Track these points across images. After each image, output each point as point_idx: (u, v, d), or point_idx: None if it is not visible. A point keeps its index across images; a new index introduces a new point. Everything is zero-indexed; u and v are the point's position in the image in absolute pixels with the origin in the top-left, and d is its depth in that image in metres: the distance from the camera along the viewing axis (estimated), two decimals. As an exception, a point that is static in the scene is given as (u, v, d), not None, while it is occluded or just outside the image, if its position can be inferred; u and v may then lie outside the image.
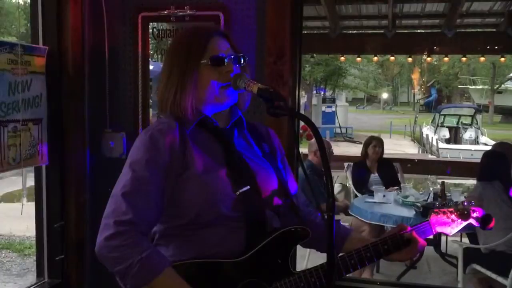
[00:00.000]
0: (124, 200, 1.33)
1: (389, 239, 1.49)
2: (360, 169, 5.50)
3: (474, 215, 1.57)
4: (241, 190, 1.40)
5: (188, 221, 1.40)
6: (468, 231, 4.28)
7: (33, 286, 2.35)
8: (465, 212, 1.57)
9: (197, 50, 1.43)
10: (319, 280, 1.41)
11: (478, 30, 8.29)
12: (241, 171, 1.44)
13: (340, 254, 1.46)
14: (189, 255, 1.39)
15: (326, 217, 1.20)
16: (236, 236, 1.40)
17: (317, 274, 1.41)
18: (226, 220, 1.39)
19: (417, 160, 7.78)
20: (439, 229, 1.57)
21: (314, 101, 24.36)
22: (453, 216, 1.57)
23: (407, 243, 1.49)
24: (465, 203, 1.59)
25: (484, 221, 1.57)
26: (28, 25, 2.37)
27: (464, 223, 1.58)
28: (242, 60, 1.49)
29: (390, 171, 5.56)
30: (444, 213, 1.57)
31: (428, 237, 4.61)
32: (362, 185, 5.38)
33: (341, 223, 1.68)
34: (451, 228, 1.57)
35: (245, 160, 1.47)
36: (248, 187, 1.42)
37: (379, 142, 5.51)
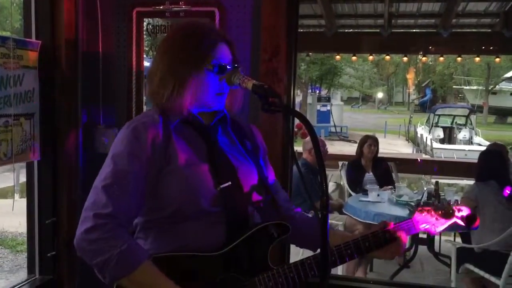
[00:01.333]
0: (104, 193, 1.33)
1: (371, 236, 1.49)
2: (355, 168, 5.51)
3: (459, 214, 1.56)
4: (222, 186, 1.41)
5: (168, 214, 1.40)
6: (461, 230, 4.29)
7: (24, 283, 2.33)
8: (450, 211, 1.56)
9: (204, 54, 1.42)
10: (297, 275, 1.42)
11: (474, 30, 8.30)
12: (223, 167, 1.45)
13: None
14: (168, 249, 1.40)
15: (320, 215, 1.20)
16: (216, 230, 1.41)
17: (296, 270, 1.42)
18: (206, 215, 1.40)
19: (420, 160, 7.78)
20: (422, 227, 1.56)
21: (309, 100, 24.39)
22: (437, 215, 1.56)
23: (390, 241, 1.49)
24: (450, 202, 1.59)
25: (469, 220, 1.56)
26: (23, 19, 2.34)
27: (449, 222, 1.57)
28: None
29: (385, 170, 5.56)
30: (428, 211, 1.56)
31: (421, 237, 4.58)
32: (356, 184, 5.38)
33: None
34: (435, 226, 1.56)
35: (227, 157, 1.48)
36: (230, 183, 1.43)
37: (374, 141, 5.52)
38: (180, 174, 1.39)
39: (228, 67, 1.44)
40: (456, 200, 1.61)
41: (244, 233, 1.42)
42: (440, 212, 1.56)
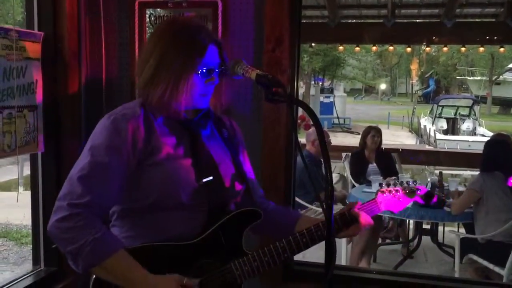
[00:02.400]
0: (79, 184, 1.33)
1: (339, 218, 1.53)
2: (359, 159, 5.50)
3: (418, 192, 1.65)
4: (204, 180, 1.42)
5: (147, 205, 1.41)
6: (465, 221, 4.29)
7: (30, 274, 2.34)
8: (410, 191, 1.64)
9: (196, 56, 1.42)
10: (272, 259, 1.46)
11: (478, 20, 8.24)
12: (206, 162, 1.47)
13: (292, 235, 1.49)
14: (145, 238, 1.41)
15: (325, 206, 1.20)
16: (194, 222, 1.43)
17: (270, 253, 1.46)
18: (185, 207, 1.42)
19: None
20: (385, 207, 1.63)
21: (312, 91, 24.31)
22: (399, 195, 1.64)
23: (355, 221, 1.54)
24: (410, 182, 1.66)
25: (427, 197, 1.68)
26: (25, 12, 2.33)
27: (410, 201, 1.66)
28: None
29: (388, 161, 5.55)
30: (390, 192, 1.64)
31: (425, 228, 4.59)
32: (360, 175, 5.38)
33: (292, 210, 1.76)
34: (397, 206, 1.64)
35: (209, 151, 1.49)
36: (212, 177, 1.44)
37: (378, 132, 5.51)
38: (162, 167, 1.39)
39: (215, 70, 1.45)
40: (415, 181, 1.68)
41: (218, 221, 1.45)
42: (401, 193, 1.64)
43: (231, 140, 1.60)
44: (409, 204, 1.64)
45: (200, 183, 1.42)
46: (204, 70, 1.42)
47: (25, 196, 2.54)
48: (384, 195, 1.63)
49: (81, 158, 1.39)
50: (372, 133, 5.46)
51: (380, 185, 1.66)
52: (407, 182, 1.66)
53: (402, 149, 7.34)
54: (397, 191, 1.63)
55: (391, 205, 1.63)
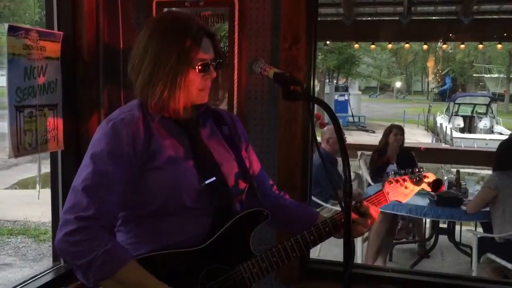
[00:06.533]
0: (84, 195, 1.30)
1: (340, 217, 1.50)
2: (380, 158, 5.41)
3: (426, 180, 1.62)
4: (207, 182, 1.41)
5: (150, 210, 1.39)
6: (483, 220, 4.24)
7: (49, 270, 2.38)
8: (418, 178, 1.61)
9: (191, 51, 1.38)
10: (280, 259, 1.44)
11: (495, 16, 8.13)
12: (207, 163, 1.45)
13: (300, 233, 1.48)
14: (151, 244, 1.39)
15: (343, 203, 1.20)
16: (200, 224, 1.41)
17: (278, 253, 1.45)
18: (190, 210, 1.40)
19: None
20: (393, 197, 1.59)
21: (327, 89, 24.22)
22: (406, 184, 1.60)
23: (363, 214, 1.50)
24: (417, 170, 1.63)
25: (435, 185, 1.62)
26: (42, 13, 2.36)
27: (417, 189, 1.62)
28: (222, 65, 1.48)
29: (409, 161, 5.45)
30: (397, 181, 1.60)
31: (442, 227, 4.52)
32: (378, 174, 5.31)
33: (309, 207, 1.73)
34: (404, 195, 1.61)
35: (210, 151, 1.47)
36: (214, 178, 1.43)
37: (400, 130, 5.40)
38: (164, 171, 1.37)
39: (212, 63, 1.43)
40: (421, 168, 1.65)
41: (225, 224, 1.43)
42: (409, 181, 1.60)
43: (232, 136, 1.58)
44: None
45: (203, 185, 1.40)
46: (200, 65, 1.39)
47: (44, 193, 2.58)
48: (391, 185, 1.59)
49: (83, 166, 1.36)
50: (394, 131, 5.33)
51: (387, 174, 1.63)
52: (414, 170, 1.63)
53: (421, 148, 7.25)
54: (404, 180, 1.60)
55: (398, 195, 1.60)
